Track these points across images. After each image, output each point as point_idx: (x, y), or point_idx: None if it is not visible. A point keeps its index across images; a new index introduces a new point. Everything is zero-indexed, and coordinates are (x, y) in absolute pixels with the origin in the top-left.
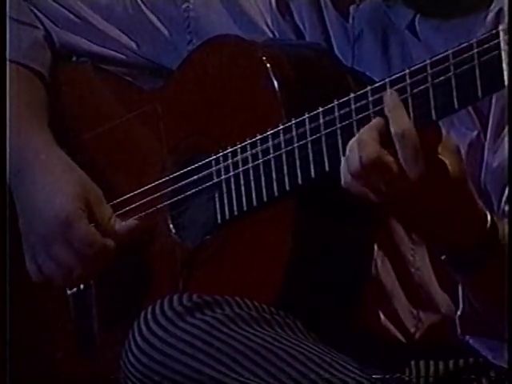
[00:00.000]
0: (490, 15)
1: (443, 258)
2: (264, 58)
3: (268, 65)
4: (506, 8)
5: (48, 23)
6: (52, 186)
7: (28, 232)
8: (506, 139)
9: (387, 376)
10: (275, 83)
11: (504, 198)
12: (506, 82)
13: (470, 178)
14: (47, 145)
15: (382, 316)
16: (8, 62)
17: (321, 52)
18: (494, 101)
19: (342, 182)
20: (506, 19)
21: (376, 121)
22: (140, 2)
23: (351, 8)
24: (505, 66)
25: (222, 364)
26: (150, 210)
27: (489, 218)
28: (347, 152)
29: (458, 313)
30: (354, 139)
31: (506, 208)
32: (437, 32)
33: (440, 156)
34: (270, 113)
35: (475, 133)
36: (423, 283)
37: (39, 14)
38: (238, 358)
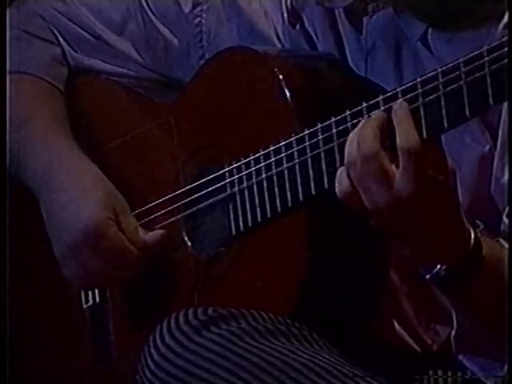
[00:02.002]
0: (501, 27)
1: (428, 277)
2: (276, 69)
3: (280, 76)
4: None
5: (64, 44)
6: (79, 195)
7: (56, 240)
8: None
9: None
10: (287, 94)
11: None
12: None
13: (481, 192)
14: (73, 152)
15: (398, 327)
16: (28, 76)
17: (334, 62)
18: (503, 115)
19: (337, 189)
20: (507, 20)
21: (379, 117)
22: (152, 16)
23: (364, 19)
24: None
25: (239, 378)
26: (165, 223)
27: (472, 235)
28: (346, 147)
29: (453, 333)
30: (353, 132)
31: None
32: (449, 45)
33: (436, 174)
34: (282, 124)
35: (487, 147)
36: (439, 295)
37: (56, 32)
38: (255, 371)
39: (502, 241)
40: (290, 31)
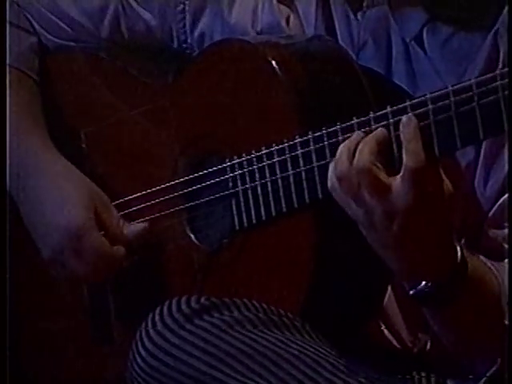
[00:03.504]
0: (489, 37)
1: (411, 293)
2: (272, 60)
3: (276, 67)
4: (506, 10)
5: (41, 31)
6: (58, 198)
7: (42, 245)
8: (503, 163)
9: (392, 380)
10: (284, 86)
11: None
12: None
13: (467, 196)
14: (48, 152)
15: (382, 326)
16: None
17: (331, 48)
18: None
19: (329, 185)
20: (506, 22)
21: (379, 134)
22: (133, 2)
23: (359, 14)
24: None
25: (229, 366)
26: (165, 213)
27: (459, 253)
28: (337, 155)
29: (428, 345)
30: (345, 144)
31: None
32: (442, 48)
33: (434, 193)
34: (280, 116)
35: (472, 155)
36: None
37: (33, 20)
38: (245, 361)
39: (482, 258)
40: (274, 18)
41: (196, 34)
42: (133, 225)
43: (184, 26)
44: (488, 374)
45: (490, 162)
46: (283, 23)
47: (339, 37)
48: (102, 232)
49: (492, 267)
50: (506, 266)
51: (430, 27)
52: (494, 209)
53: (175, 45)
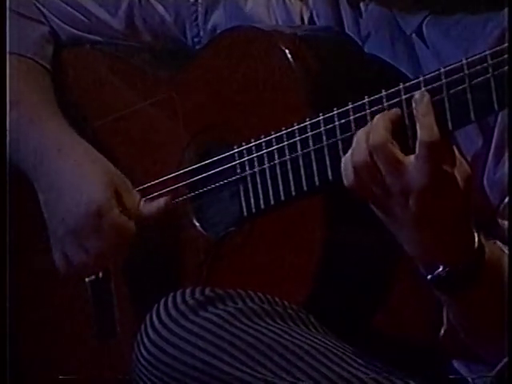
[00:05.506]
0: (501, 23)
1: (429, 277)
2: (283, 46)
3: (287, 52)
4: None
5: (55, 20)
6: (79, 177)
7: (56, 224)
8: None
9: (397, 371)
10: (297, 73)
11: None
12: None
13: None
14: (68, 134)
15: (388, 315)
16: (17, 56)
17: (341, 38)
18: (500, 113)
19: (344, 177)
20: (506, 21)
21: (393, 112)
22: None
23: (362, 5)
24: None
25: (234, 357)
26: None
27: (476, 239)
28: (354, 143)
29: (442, 332)
30: (361, 130)
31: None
32: (446, 37)
33: (452, 172)
34: (291, 103)
35: (480, 143)
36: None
37: (45, 11)
38: (250, 352)
39: (499, 243)
40: (287, 11)
41: (209, 26)
42: (148, 203)
43: (196, 18)
44: (501, 365)
45: (502, 150)
46: (295, 17)
47: (346, 28)
48: (122, 210)
49: (507, 252)
50: None
51: (430, 19)
52: (507, 200)
53: (189, 40)
